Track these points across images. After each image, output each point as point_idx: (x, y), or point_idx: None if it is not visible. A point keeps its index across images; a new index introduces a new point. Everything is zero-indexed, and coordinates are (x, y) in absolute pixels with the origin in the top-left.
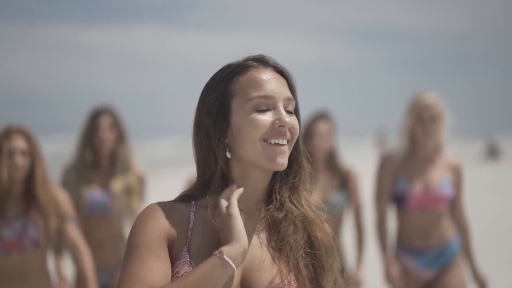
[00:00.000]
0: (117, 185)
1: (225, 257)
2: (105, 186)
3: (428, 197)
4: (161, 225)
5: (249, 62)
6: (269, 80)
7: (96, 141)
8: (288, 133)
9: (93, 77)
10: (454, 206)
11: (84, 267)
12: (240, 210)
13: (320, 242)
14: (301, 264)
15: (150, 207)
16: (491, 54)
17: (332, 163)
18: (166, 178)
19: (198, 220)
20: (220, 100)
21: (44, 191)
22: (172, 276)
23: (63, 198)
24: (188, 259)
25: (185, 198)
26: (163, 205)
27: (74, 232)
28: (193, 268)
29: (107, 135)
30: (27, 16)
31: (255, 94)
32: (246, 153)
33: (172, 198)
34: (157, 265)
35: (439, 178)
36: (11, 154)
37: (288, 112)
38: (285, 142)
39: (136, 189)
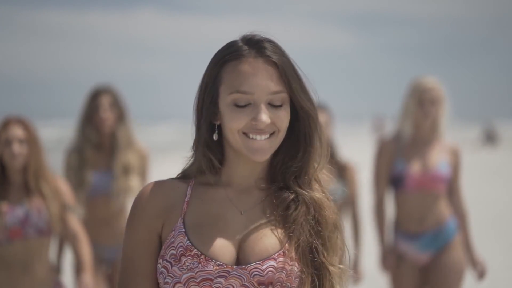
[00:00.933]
0: (117, 166)
1: None
2: (108, 165)
3: (426, 177)
4: (151, 211)
5: (244, 48)
6: (254, 74)
7: (97, 121)
8: (269, 129)
9: (91, 62)
10: (452, 189)
11: (83, 256)
12: (229, 187)
13: (327, 220)
14: (303, 239)
15: (144, 189)
16: (488, 39)
17: (330, 155)
18: (165, 163)
19: (195, 195)
20: (212, 82)
21: (42, 180)
22: (168, 246)
23: (63, 188)
24: (183, 229)
25: (185, 175)
26: (158, 184)
27: (74, 221)
28: (187, 238)
29: (107, 114)
30: (23, 1)
31: (236, 87)
32: (230, 140)
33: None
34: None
35: (437, 159)
36: (9, 142)
37: (273, 106)
38: (263, 138)
39: (135, 167)
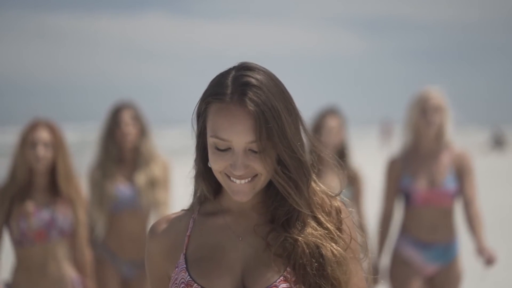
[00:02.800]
0: (141, 179)
1: None
2: (130, 179)
3: (433, 194)
4: (158, 252)
5: (228, 92)
6: (232, 123)
7: (118, 136)
8: (248, 174)
9: (99, 66)
10: (464, 194)
11: (83, 267)
12: (228, 211)
13: (329, 257)
14: (304, 263)
15: (152, 228)
16: (497, 44)
17: (342, 159)
18: (175, 169)
19: (196, 226)
20: (201, 116)
21: (68, 184)
22: (172, 283)
23: (84, 200)
24: (185, 265)
25: (193, 204)
26: (163, 222)
27: (84, 234)
28: (188, 273)
29: (129, 129)
30: (32, 5)
31: (215, 132)
32: (215, 175)
33: (181, 187)
34: None
35: (443, 173)
36: (34, 145)
37: (252, 151)
38: (243, 181)
39: (160, 180)
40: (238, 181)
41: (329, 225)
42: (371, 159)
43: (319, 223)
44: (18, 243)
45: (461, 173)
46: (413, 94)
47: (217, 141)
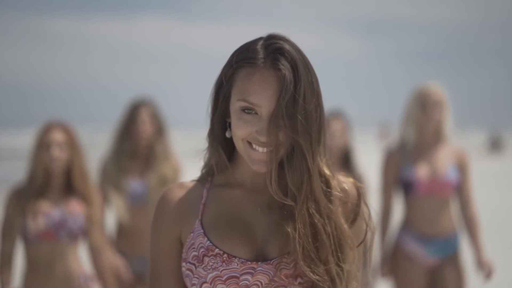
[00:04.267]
0: (152, 177)
1: None
2: (141, 175)
3: (435, 183)
4: (170, 215)
5: (260, 56)
6: (263, 87)
7: (134, 133)
8: (271, 142)
9: (97, 69)
10: (461, 193)
11: (103, 274)
12: (240, 185)
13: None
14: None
15: (164, 193)
16: (495, 45)
17: (346, 162)
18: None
19: (211, 197)
20: (226, 81)
21: (84, 184)
22: (188, 248)
23: (98, 198)
24: (202, 230)
25: (203, 175)
26: (177, 188)
27: (100, 236)
28: (207, 238)
29: (145, 127)
30: (29, 8)
31: (244, 96)
32: (235, 143)
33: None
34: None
35: (445, 163)
36: (48, 146)
37: (279, 118)
38: (266, 150)
39: (170, 180)
40: (260, 149)
41: (338, 207)
42: (370, 160)
43: (330, 201)
44: (27, 242)
45: (461, 167)
46: (413, 89)
47: (245, 105)
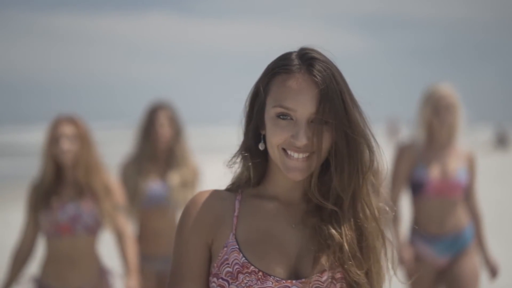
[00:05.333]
0: (174, 179)
1: None
2: (162, 178)
3: (446, 184)
4: (202, 220)
5: (295, 63)
6: (299, 91)
7: (153, 136)
8: (307, 148)
9: (102, 66)
10: (468, 194)
11: (128, 258)
12: (276, 198)
13: (367, 245)
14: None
15: (195, 197)
16: (500, 42)
17: None
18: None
19: (243, 209)
20: (261, 91)
21: (93, 176)
22: (221, 263)
23: (115, 186)
24: (237, 246)
25: (233, 186)
26: (208, 194)
27: (122, 221)
28: (242, 255)
29: (164, 130)
30: (35, 5)
31: (280, 101)
32: (270, 153)
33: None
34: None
35: (456, 165)
36: (58, 139)
37: (315, 125)
38: (301, 156)
39: (190, 182)
40: (296, 155)
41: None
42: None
43: (345, 220)
44: (47, 236)
45: (470, 169)
46: (424, 91)
47: (280, 111)
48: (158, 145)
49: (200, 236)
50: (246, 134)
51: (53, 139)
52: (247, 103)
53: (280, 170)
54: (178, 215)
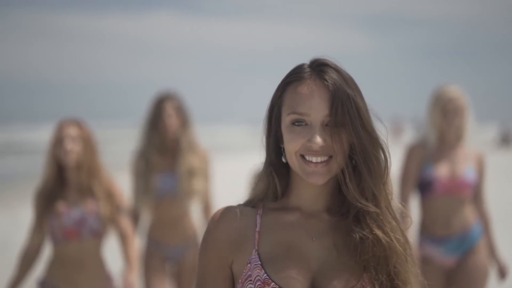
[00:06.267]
0: (181, 169)
1: None
2: (172, 168)
3: (454, 183)
4: (222, 239)
5: (306, 71)
6: (310, 96)
7: (161, 126)
8: (325, 151)
9: (109, 65)
10: (477, 194)
11: (130, 257)
12: (298, 208)
13: (398, 255)
14: (374, 269)
15: (215, 216)
16: (504, 40)
17: None
18: None
19: (265, 224)
20: (276, 104)
21: (95, 179)
22: (245, 279)
23: (116, 189)
24: (259, 262)
25: (254, 201)
26: (228, 211)
27: (125, 223)
28: (264, 271)
29: (172, 120)
30: (44, 5)
31: (293, 108)
32: (290, 163)
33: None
34: None
35: (464, 164)
36: (62, 141)
37: (330, 128)
38: (319, 160)
39: (199, 170)
40: (314, 159)
41: (397, 224)
42: None
43: (387, 220)
44: (53, 241)
45: (479, 170)
46: (433, 92)
47: (294, 117)
48: (166, 136)
49: (220, 259)
50: (267, 149)
51: (57, 141)
52: (265, 118)
53: (301, 180)
54: (191, 203)
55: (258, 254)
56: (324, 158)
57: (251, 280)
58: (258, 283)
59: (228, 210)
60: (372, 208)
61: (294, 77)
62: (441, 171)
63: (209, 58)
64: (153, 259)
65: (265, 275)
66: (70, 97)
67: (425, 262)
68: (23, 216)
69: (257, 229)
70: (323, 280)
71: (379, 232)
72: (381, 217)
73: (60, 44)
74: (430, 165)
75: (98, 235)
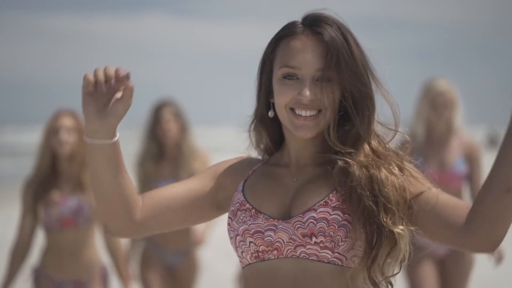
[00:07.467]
0: (183, 175)
1: (85, 137)
2: (173, 174)
3: (443, 175)
4: (228, 170)
5: (299, 26)
6: (303, 50)
7: (159, 133)
8: (314, 105)
9: (101, 67)
10: (472, 183)
11: (121, 269)
12: (284, 166)
13: (382, 181)
14: (357, 201)
15: (234, 158)
16: (491, 43)
17: None
18: None
19: (262, 168)
20: (268, 59)
21: (86, 171)
22: (230, 203)
23: None
24: (242, 188)
25: (265, 153)
26: (247, 157)
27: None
28: (242, 194)
29: (169, 126)
30: (35, 6)
31: (285, 62)
32: (280, 117)
33: None
34: (180, 184)
35: (453, 156)
36: (57, 131)
37: (321, 83)
38: (308, 114)
39: None
40: (304, 113)
41: (387, 155)
42: None
43: (377, 155)
44: (48, 229)
45: (470, 159)
46: (422, 86)
47: (286, 71)
48: (165, 142)
49: (222, 176)
50: (258, 104)
51: (52, 130)
52: (257, 74)
53: (291, 134)
54: None
55: (244, 183)
56: (313, 112)
57: (233, 203)
58: (237, 204)
59: (247, 156)
60: (347, 149)
61: (286, 32)
62: (430, 164)
63: (203, 60)
64: (152, 261)
65: (243, 197)
66: (62, 100)
67: (418, 249)
68: (16, 217)
69: (254, 168)
70: (293, 204)
71: (361, 159)
72: (369, 159)
73: (51, 46)
74: (418, 159)
75: (92, 221)
